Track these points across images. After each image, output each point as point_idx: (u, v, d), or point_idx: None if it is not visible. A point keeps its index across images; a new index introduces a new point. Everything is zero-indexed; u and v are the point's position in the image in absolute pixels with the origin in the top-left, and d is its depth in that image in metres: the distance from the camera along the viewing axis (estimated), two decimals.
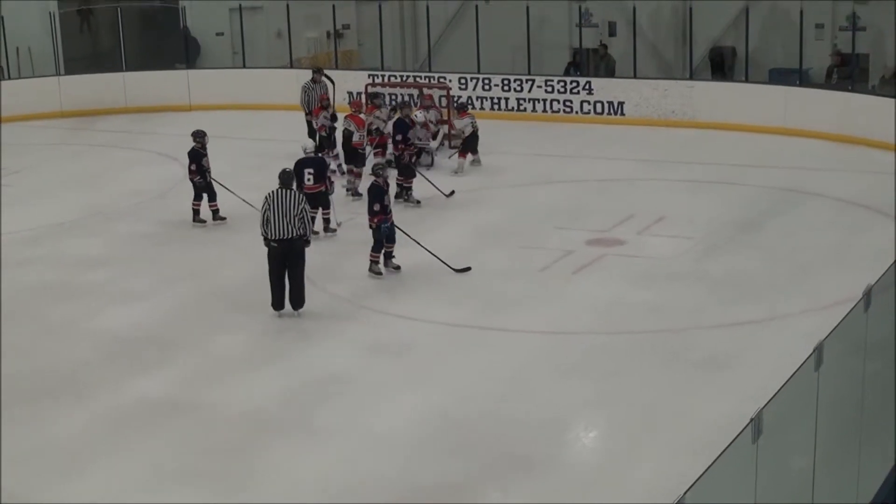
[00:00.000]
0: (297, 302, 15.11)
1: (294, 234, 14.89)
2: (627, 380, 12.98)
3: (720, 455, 6.84)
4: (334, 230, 18.36)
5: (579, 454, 11.82)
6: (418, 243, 16.40)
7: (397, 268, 16.54)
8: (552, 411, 12.28)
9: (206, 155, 19.05)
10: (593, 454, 11.78)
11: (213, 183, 19.18)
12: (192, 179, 19.11)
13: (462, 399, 12.65)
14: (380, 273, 16.39)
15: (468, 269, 16.34)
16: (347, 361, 13.77)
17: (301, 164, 17.83)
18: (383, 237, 16.35)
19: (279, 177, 15.35)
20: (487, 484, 10.94)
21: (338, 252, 17.38)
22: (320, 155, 18.95)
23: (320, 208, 18.08)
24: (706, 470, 6.69)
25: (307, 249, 15.11)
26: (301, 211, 14.95)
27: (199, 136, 19.00)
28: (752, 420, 7.12)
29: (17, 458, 11.58)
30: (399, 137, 20.93)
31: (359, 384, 13.16)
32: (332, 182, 18.73)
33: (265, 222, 14.97)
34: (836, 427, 9.19)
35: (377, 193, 16.27)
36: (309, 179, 17.73)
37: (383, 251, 16.44)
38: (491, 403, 12.55)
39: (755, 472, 7.22)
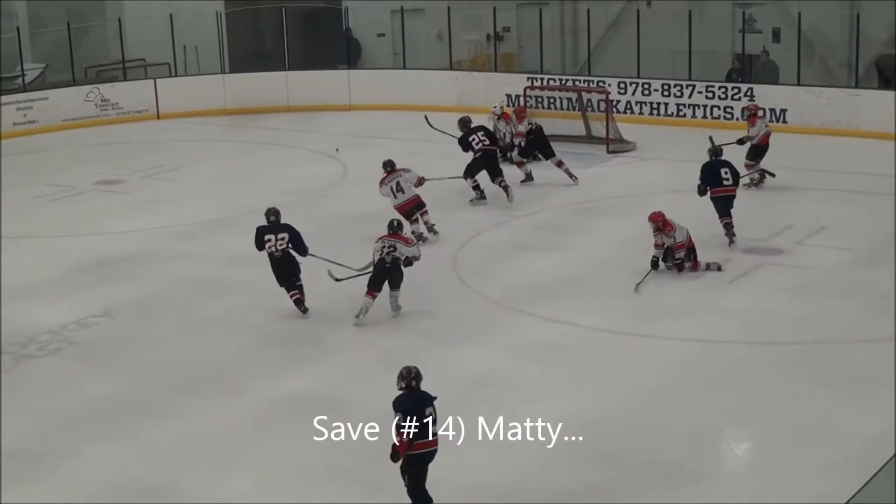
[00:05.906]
0: None
1: None
2: (777, 392, 12.69)
3: (878, 471, 6.67)
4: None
5: (727, 466, 11.61)
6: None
7: None
8: (698, 421, 12.09)
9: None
10: (740, 467, 11.55)
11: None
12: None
13: (606, 405, 12.55)
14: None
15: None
16: (494, 364, 13.75)
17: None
18: None
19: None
20: (627, 491, 10.82)
21: (488, 255, 17.34)
22: None
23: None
24: (864, 485, 6.53)
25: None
26: None
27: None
28: None
29: (169, 449, 11.88)
30: None
31: (504, 387, 13.13)
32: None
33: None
34: None
35: None
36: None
37: None
38: (635, 410, 12.42)
39: None
